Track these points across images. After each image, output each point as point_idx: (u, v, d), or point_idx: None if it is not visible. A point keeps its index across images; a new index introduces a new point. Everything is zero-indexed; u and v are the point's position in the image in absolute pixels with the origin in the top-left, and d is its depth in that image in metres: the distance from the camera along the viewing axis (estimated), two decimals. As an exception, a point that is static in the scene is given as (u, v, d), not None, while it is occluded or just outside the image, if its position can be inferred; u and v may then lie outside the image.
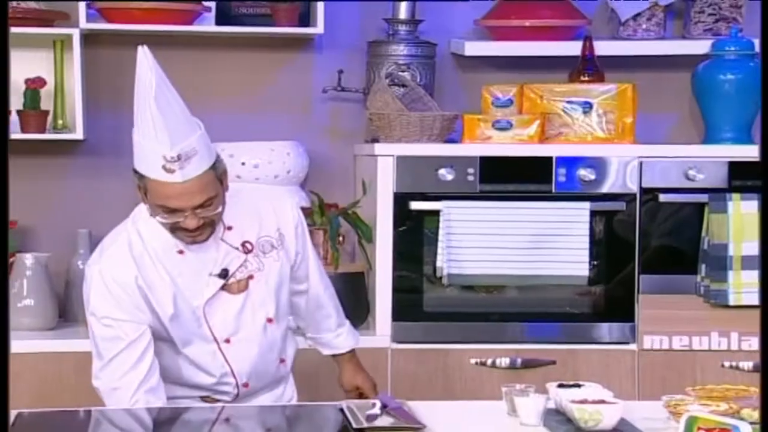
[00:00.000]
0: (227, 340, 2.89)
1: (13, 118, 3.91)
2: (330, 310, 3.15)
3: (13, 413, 2.61)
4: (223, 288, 2.87)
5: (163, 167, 2.71)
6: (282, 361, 3.01)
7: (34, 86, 3.90)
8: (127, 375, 2.79)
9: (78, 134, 3.92)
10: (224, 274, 2.86)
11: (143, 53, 2.74)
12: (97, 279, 2.83)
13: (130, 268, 2.82)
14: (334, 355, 3.19)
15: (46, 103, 3.93)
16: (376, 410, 2.59)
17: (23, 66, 3.94)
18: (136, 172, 2.79)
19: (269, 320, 2.93)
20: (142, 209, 2.87)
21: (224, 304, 2.87)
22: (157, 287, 2.83)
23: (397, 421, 2.56)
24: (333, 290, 3.17)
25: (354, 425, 2.53)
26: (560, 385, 2.70)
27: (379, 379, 3.74)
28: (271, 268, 2.93)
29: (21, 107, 3.91)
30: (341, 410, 2.68)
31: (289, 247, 2.98)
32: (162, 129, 2.70)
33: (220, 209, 2.80)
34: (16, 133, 3.91)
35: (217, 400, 2.94)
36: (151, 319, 2.83)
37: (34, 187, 4.07)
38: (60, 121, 3.96)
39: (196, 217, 2.76)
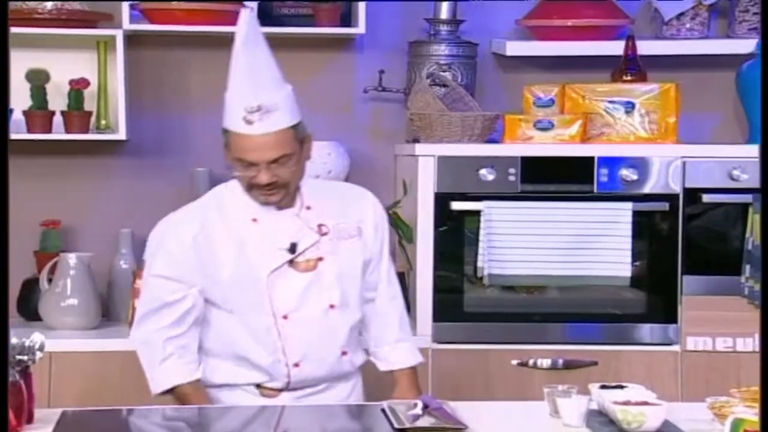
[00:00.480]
0: (285, 317, 2.88)
1: (57, 119, 3.95)
2: (392, 320, 3.09)
3: (57, 412, 2.64)
4: (291, 265, 2.88)
5: (244, 119, 2.79)
6: (344, 353, 2.96)
7: (77, 87, 3.93)
8: (159, 331, 2.87)
9: (121, 134, 3.94)
10: (293, 248, 2.88)
11: (244, 13, 2.85)
12: (158, 233, 2.94)
13: (192, 226, 2.89)
14: (391, 371, 3.09)
15: (89, 104, 3.96)
16: (418, 410, 2.59)
17: (67, 67, 3.97)
18: (224, 130, 2.87)
19: (332, 306, 2.91)
20: (226, 184, 2.97)
21: (289, 280, 2.88)
22: (221, 249, 2.87)
23: (438, 422, 2.55)
24: (402, 304, 3.14)
25: (396, 425, 2.53)
26: (603, 386, 2.69)
27: (421, 379, 3.71)
28: (344, 256, 2.94)
29: (65, 108, 3.94)
30: (383, 411, 2.67)
31: (367, 242, 2.99)
32: (245, 81, 2.81)
33: (293, 169, 2.85)
34: (60, 134, 3.95)
35: (272, 389, 2.92)
36: (205, 281, 2.87)
37: (78, 187, 4.10)
38: (103, 122, 3.99)
39: (270, 172, 2.81)
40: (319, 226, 2.93)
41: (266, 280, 2.87)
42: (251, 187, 2.87)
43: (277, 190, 2.86)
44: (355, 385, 3.04)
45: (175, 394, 2.89)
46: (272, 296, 2.87)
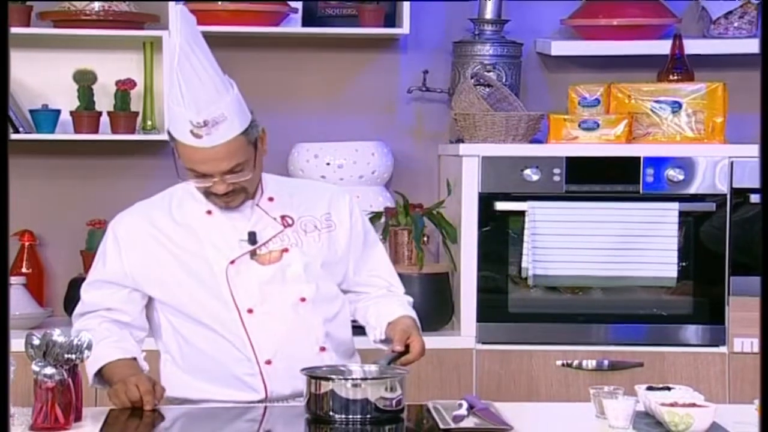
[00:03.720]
0: (250, 310, 2.76)
1: (104, 119, 3.97)
2: (390, 302, 2.91)
3: (104, 410, 2.65)
4: (253, 257, 2.77)
5: (191, 132, 2.67)
6: (323, 349, 2.81)
7: (124, 88, 3.96)
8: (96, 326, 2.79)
9: (166, 135, 3.95)
10: (252, 239, 2.77)
11: (175, 13, 2.71)
12: (107, 231, 2.87)
13: (134, 226, 2.81)
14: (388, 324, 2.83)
15: (135, 105, 3.99)
16: (463, 411, 2.58)
17: (114, 68, 4.00)
18: (169, 133, 2.75)
19: (302, 299, 2.79)
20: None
21: (251, 273, 2.77)
22: (172, 247, 2.77)
23: (484, 422, 2.54)
24: (403, 292, 2.97)
25: (441, 425, 2.52)
26: (649, 388, 2.67)
27: (465, 379, 3.75)
28: (311, 248, 2.82)
29: (111, 108, 3.97)
30: (428, 410, 2.67)
31: (340, 235, 2.86)
32: (188, 94, 2.65)
33: (250, 176, 2.73)
34: (106, 134, 3.98)
35: (250, 403, 2.75)
36: (153, 283, 2.78)
37: (123, 187, 4.12)
38: (149, 122, 4.01)
39: (225, 182, 2.71)
40: (282, 217, 2.81)
41: (225, 273, 2.75)
42: (208, 195, 2.75)
43: (236, 195, 2.74)
44: None
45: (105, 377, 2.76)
46: (233, 290, 2.75)
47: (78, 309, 2.90)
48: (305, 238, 2.83)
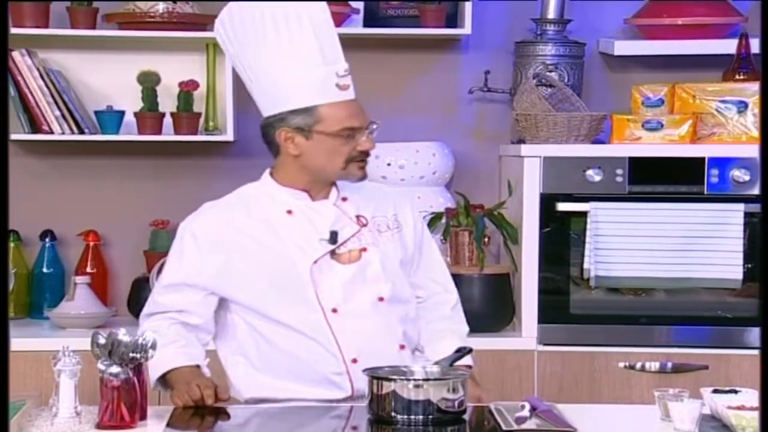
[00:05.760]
0: (334, 310, 2.75)
1: (167, 120, 4.01)
2: (446, 315, 2.95)
3: (168, 409, 2.67)
4: (333, 256, 2.77)
5: (337, 85, 2.71)
6: (402, 347, 2.82)
7: (187, 89, 3.99)
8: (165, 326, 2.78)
9: (228, 136, 3.99)
10: (333, 238, 2.76)
11: None
12: (179, 234, 2.84)
13: (220, 220, 2.79)
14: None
15: (198, 106, 4.02)
16: (525, 413, 2.57)
17: (177, 69, 4.03)
18: (293, 112, 2.72)
19: (381, 299, 2.79)
20: (250, 183, 2.87)
21: (333, 272, 2.76)
22: (252, 247, 2.75)
23: (546, 424, 2.53)
24: (458, 301, 2.98)
25: (503, 427, 2.51)
26: (715, 391, 2.64)
27: (526, 381, 3.73)
28: (387, 247, 2.82)
29: (175, 109, 4.01)
30: (490, 412, 2.66)
31: (406, 237, 2.88)
32: (329, 48, 2.72)
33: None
34: (169, 135, 4.01)
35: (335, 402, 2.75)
36: (231, 286, 2.76)
37: (186, 188, 4.16)
38: (211, 123, 4.04)
39: (370, 138, 2.76)
40: (357, 217, 2.81)
41: (310, 272, 2.74)
42: (351, 160, 2.74)
43: (366, 161, 2.79)
44: None
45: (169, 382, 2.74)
46: (317, 289, 2.74)
47: (147, 309, 2.88)
48: (380, 238, 2.83)
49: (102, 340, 2.52)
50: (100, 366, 2.51)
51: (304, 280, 2.75)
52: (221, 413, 2.66)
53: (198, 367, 2.77)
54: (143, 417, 2.55)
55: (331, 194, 2.82)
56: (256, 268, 2.77)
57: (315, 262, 2.75)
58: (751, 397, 2.60)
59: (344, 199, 2.83)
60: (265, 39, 2.72)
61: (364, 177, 2.79)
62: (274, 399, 2.78)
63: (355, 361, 2.75)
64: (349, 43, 4.18)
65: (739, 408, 2.49)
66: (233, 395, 2.84)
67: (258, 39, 2.74)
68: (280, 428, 2.64)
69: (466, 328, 2.99)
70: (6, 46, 2.48)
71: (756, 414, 2.46)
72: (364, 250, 2.80)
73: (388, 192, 2.96)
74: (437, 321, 2.94)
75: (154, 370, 2.71)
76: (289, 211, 2.79)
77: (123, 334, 2.53)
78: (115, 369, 2.50)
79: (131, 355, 2.52)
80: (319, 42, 2.72)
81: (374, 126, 2.79)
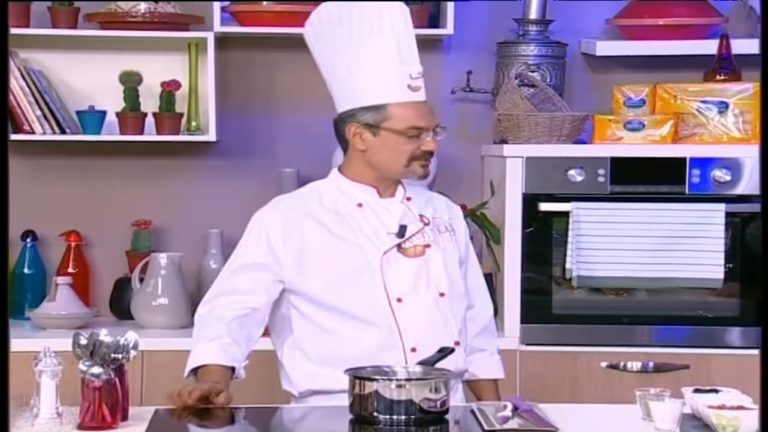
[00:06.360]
0: (399, 299, 2.84)
1: (149, 120, 4.00)
2: (484, 328, 3.08)
3: (150, 410, 2.67)
4: (399, 250, 2.87)
5: (409, 86, 2.79)
6: (457, 343, 2.88)
7: (169, 89, 3.98)
8: (222, 315, 2.80)
9: (210, 136, 3.98)
10: (401, 232, 2.86)
11: None
12: (252, 224, 2.89)
13: (299, 209, 2.86)
14: (477, 380, 3.04)
15: (180, 106, 4.01)
16: (508, 412, 2.57)
17: (159, 69, 4.02)
18: (365, 108, 2.82)
19: (441, 294, 2.88)
20: (320, 180, 2.96)
21: (400, 265, 2.85)
22: (324, 236, 2.83)
23: (529, 424, 2.53)
24: (491, 313, 3.13)
25: (485, 427, 2.52)
26: (696, 390, 2.65)
27: (508, 381, 3.70)
28: (446, 246, 2.93)
29: (157, 110, 4.00)
30: (472, 412, 2.67)
31: (460, 241, 2.99)
32: (406, 48, 2.80)
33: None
34: (151, 135, 4.00)
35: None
36: (300, 274, 2.81)
37: (168, 188, 4.16)
38: (193, 123, 4.03)
39: (435, 139, 2.84)
40: (420, 216, 2.93)
41: (380, 263, 2.83)
42: (414, 159, 2.84)
43: (430, 161, 2.88)
44: (462, 387, 3.00)
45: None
46: (385, 280, 2.83)
47: (212, 293, 2.88)
48: (440, 238, 2.93)
49: (83, 341, 2.52)
50: (82, 366, 2.51)
51: (373, 269, 2.83)
52: (204, 416, 2.65)
53: (232, 369, 2.78)
54: (125, 418, 2.55)
55: (397, 192, 2.93)
56: (328, 256, 2.84)
57: (384, 253, 2.84)
58: (732, 396, 2.61)
59: (408, 198, 2.94)
60: (350, 38, 2.83)
61: (426, 175, 2.90)
62: (330, 390, 2.81)
63: (414, 350, 2.82)
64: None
65: (719, 407, 2.50)
66: (287, 389, 2.90)
67: (344, 38, 2.84)
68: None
69: (496, 342, 3.13)
70: (6, 46, 2.47)
71: (737, 413, 2.47)
72: (428, 246, 2.90)
73: (443, 199, 3.08)
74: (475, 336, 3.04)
75: (192, 359, 2.77)
76: (360, 205, 2.88)
77: (104, 335, 2.52)
78: (96, 370, 2.50)
79: (113, 355, 2.52)
80: (398, 43, 2.82)
81: (442, 128, 2.88)
